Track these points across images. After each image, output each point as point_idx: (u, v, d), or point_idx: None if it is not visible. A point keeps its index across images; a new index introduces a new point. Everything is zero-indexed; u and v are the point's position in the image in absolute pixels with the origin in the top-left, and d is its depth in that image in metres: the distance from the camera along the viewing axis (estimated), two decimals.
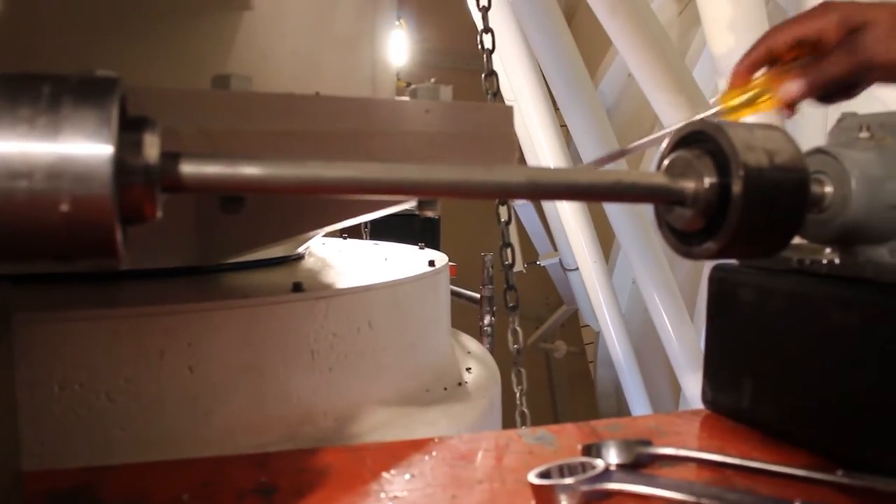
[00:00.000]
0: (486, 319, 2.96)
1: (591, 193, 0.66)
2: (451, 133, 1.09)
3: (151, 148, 0.54)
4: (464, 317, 2.28)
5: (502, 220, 2.07)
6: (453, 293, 2.10)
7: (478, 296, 3.07)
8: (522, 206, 5.80)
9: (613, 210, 4.07)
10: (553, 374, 7.57)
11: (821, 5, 1.03)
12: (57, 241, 0.51)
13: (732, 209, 0.64)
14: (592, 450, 0.77)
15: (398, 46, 3.92)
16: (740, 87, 1.08)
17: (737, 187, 0.63)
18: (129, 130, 0.54)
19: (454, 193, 0.64)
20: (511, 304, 2.09)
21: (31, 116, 0.49)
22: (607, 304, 4.64)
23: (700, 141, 0.69)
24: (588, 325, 6.50)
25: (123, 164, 0.51)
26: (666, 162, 0.71)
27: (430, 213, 0.74)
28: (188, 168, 0.56)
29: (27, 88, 0.50)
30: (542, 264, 6.25)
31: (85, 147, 0.49)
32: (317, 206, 1.33)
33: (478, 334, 2.80)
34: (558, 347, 7.12)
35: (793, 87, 1.03)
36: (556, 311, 7.02)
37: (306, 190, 0.60)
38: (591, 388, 6.83)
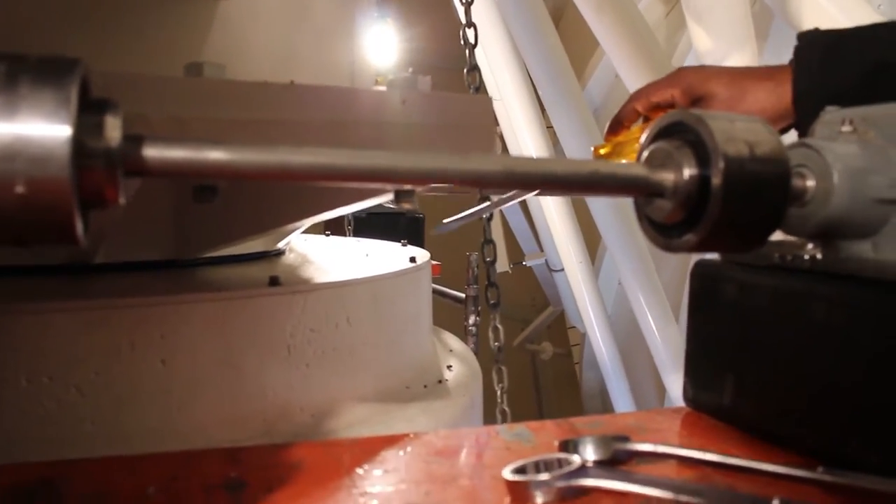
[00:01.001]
0: (471, 319, 2.96)
1: (568, 184, 0.65)
2: (429, 124, 1.08)
3: (113, 130, 0.52)
4: (449, 317, 2.27)
5: (484, 215, 2.06)
6: (438, 292, 2.09)
7: (462, 295, 3.06)
8: (511, 209, 5.80)
9: (599, 210, 4.07)
10: (539, 375, 7.58)
11: (674, 72, 1.25)
12: (13, 225, 0.49)
13: (712, 201, 0.63)
14: (569, 446, 0.76)
15: (385, 45, 3.90)
16: (614, 136, 1.30)
17: (716, 179, 0.62)
18: (90, 112, 0.52)
19: (428, 181, 0.62)
20: (492, 302, 2.07)
21: None
22: (593, 306, 4.65)
23: (680, 132, 0.68)
24: (574, 327, 6.51)
25: (82, 145, 0.50)
26: (645, 153, 0.70)
27: (407, 206, 0.72)
28: (152, 151, 0.54)
29: None
30: (528, 265, 6.25)
31: (42, 128, 0.48)
32: (294, 198, 1.32)
33: (463, 334, 2.80)
34: (544, 349, 7.13)
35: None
36: (543, 312, 7.03)
37: (274, 176, 0.58)
38: (576, 390, 6.84)
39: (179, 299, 1.08)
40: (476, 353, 2.09)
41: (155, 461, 0.79)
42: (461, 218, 1.88)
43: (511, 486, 0.67)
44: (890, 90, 0.99)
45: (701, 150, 0.65)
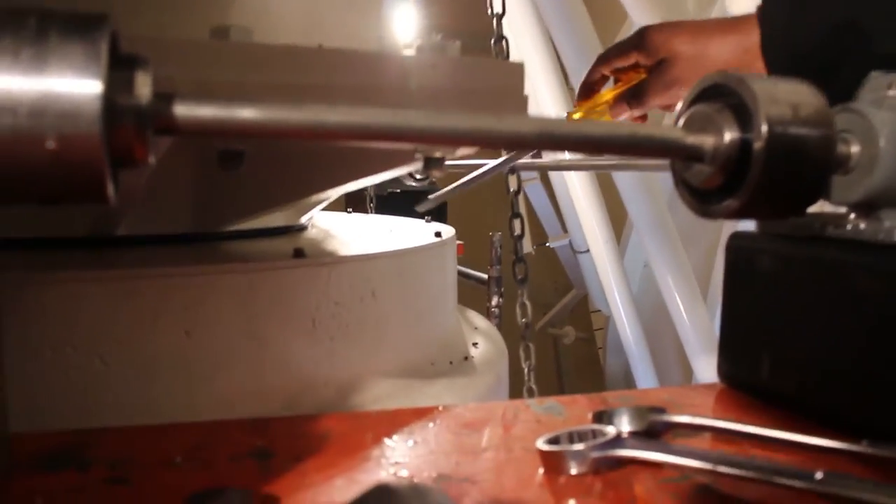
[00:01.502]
0: (494, 300, 2.95)
1: (605, 146, 0.64)
2: (458, 89, 1.07)
3: (143, 87, 0.52)
4: (471, 298, 2.28)
5: (511, 189, 2.06)
6: (461, 273, 2.09)
7: (485, 276, 3.06)
8: (532, 186, 5.76)
9: (627, 188, 4.04)
10: (561, 360, 7.56)
11: (637, 33, 1.26)
12: (44, 182, 0.49)
13: (754, 165, 0.62)
14: (604, 417, 0.76)
15: (407, 23, 3.89)
16: (585, 102, 1.35)
17: (758, 142, 0.62)
18: (120, 68, 0.52)
19: (462, 142, 0.62)
20: (520, 277, 2.07)
21: (14, 48, 0.47)
22: (619, 287, 4.61)
23: (721, 94, 0.67)
24: (598, 311, 6.48)
25: (113, 102, 0.50)
26: (684, 116, 0.69)
27: (437, 174, 0.72)
28: (182, 110, 0.54)
29: (11, 19, 0.48)
30: (551, 246, 6.22)
31: (73, 83, 0.48)
32: (317, 168, 1.32)
33: (486, 316, 2.80)
34: (567, 333, 7.10)
35: (618, 111, 1.30)
36: (566, 295, 7.00)
37: (306, 135, 0.58)
38: (599, 375, 6.81)
39: (203, 270, 1.08)
40: None
41: (181, 430, 0.80)
42: (445, 193, 1.88)
43: (545, 456, 0.67)
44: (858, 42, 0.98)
45: (742, 113, 0.64)
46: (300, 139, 0.60)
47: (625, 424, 0.74)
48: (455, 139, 0.62)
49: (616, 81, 1.34)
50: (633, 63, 1.29)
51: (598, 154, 0.68)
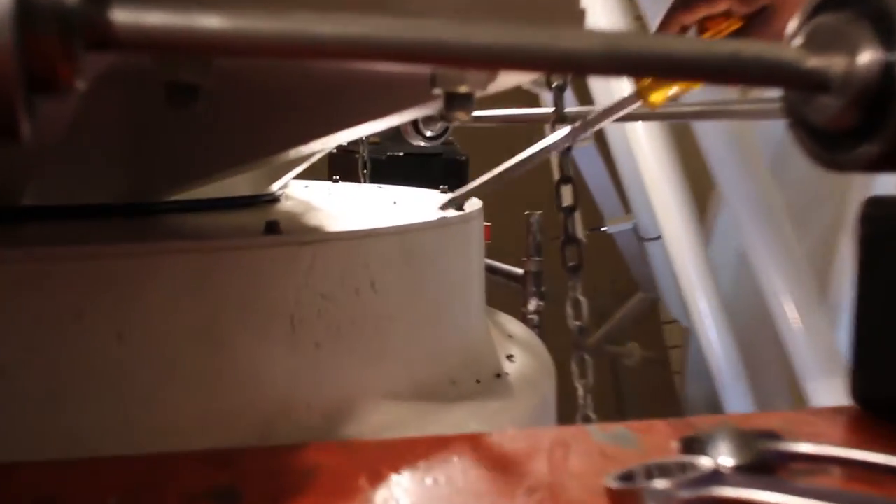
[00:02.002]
0: (533, 303, 2.96)
1: (695, 69, 0.64)
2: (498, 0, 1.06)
3: None
4: (501, 301, 2.28)
5: (555, 149, 2.04)
6: (488, 269, 2.09)
7: (520, 271, 3.05)
8: (583, 150, 5.72)
9: (714, 147, 4.02)
10: (622, 387, 7.57)
11: None
12: None
13: None
14: (695, 445, 0.76)
15: None
16: None
17: None
18: None
19: (500, 63, 0.62)
20: (572, 264, 2.06)
21: None
22: (704, 288, 4.59)
23: (854, 2, 0.66)
24: (674, 321, 6.45)
25: (30, 5, 0.50)
26: (804, 31, 0.69)
27: (462, 117, 0.72)
28: (122, 16, 0.54)
29: None
30: (608, 231, 6.20)
31: None
32: (298, 108, 1.32)
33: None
34: (631, 352, 7.09)
35: None
36: (628, 301, 6.99)
37: (290, 52, 0.58)
38: (675, 408, 6.81)
39: (141, 250, 1.09)
40: None
41: (115, 465, 0.81)
42: (488, 179, 1.87)
43: (616, 497, 0.67)
44: None
45: (884, 25, 0.63)
46: (281, 58, 0.60)
47: (725, 455, 0.74)
48: (489, 59, 0.62)
49: (701, 32, 1.34)
50: (725, 10, 1.30)
51: (687, 81, 0.67)
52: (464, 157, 4.39)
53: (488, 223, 2.04)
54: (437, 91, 0.69)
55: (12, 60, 0.48)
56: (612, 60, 0.61)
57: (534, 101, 4.61)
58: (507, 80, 1.14)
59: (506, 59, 0.61)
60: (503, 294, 2.97)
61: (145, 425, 1.10)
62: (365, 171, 3.58)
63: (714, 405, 5.37)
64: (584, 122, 1.88)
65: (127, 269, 1.09)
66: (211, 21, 0.56)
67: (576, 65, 0.62)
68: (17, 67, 0.49)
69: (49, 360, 1.05)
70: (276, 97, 1.30)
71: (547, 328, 2.92)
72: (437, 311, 1.44)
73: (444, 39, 0.59)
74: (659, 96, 1.50)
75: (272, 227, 1.22)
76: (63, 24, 0.52)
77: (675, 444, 0.79)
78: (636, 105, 1.65)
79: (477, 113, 2.99)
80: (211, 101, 0.88)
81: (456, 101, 0.69)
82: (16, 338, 1.04)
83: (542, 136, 2.25)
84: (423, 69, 0.64)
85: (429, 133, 3.14)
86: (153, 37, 0.55)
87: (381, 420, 1.27)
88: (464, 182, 4.42)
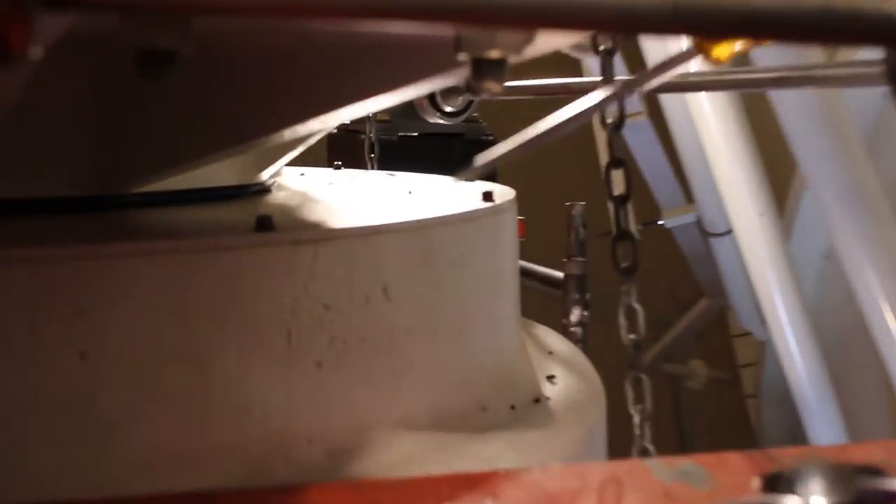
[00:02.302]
0: (575, 313, 2.95)
1: (778, 27, 0.64)
2: None
3: None
4: (536, 311, 2.27)
5: (608, 120, 2.03)
6: (521, 272, 2.08)
7: (560, 274, 3.05)
8: (636, 125, 5.70)
9: (796, 122, 4.01)
10: (684, 414, 7.56)
11: None
12: None
13: None
14: (780, 482, 0.75)
15: None
16: None
17: None
18: None
19: (540, 22, 0.62)
20: (625, 265, 2.05)
21: None
22: (784, 293, 4.57)
23: None
24: (746, 333, 6.43)
25: None
26: None
27: (493, 87, 0.72)
28: None
29: None
30: (666, 225, 6.18)
31: None
32: (295, 79, 1.32)
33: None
34: (694, 371, 7.09)
35: None
36: (690, 310, 6.98)
37: (289, 10, 0.58)
38: (747, 437, 6.80)
39: (108, 251, 1.09)
40: None
41: None
42: (500, 157, 1.86)
43: None
44: None
45: None
46: (278, 18, 0.60)
47: (817, 495, 0.74)
48: (532, 16, 0.62)
49: None
50: None
51: (766, 38, 0.67)
52: (491, 137, 4.37)
53: (521, 217, 2.04)
54: (463, 56, 0.69)
55: None
56: (678, 17, 0.61)
57: (574, 67, 4.61)
58: (547, 42, 1.13)
59: (547, 17, 0.61)
60: (539, 302, 2.96)
61: (113, 462, 1.10)
62: (372, 156, 3.56)
63: (796, 434, 5.36)
64: (632, 80, 1.87)
65: (89, 273, 1.09)
66: None
67: (634, 23, 0.62)
68: None
69: None
70: (267, 66, 1.30)
71: (592, 341, 2.92)
72: (463, 322, 1.44)
73: None
74: (724, 50, 1.49)
75: (264, 224, 1.23)
76: None
77: (754, 482, 0.79)
78: (694, 62, 1.64)
79: (512, 83, 2.98)
80: (190, 72, 0.89)
81: (485, 69, 0.69)
82: None
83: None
84: (445, 29, 0.64)
85: (448, 109, 3.13)
86: None
87: (397, 455, 1.27)
88: (492, 168, 4.41)
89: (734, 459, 0.91)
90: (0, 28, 0.52)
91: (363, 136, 3.57)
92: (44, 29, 0.55)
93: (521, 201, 1.92)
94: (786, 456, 0.92)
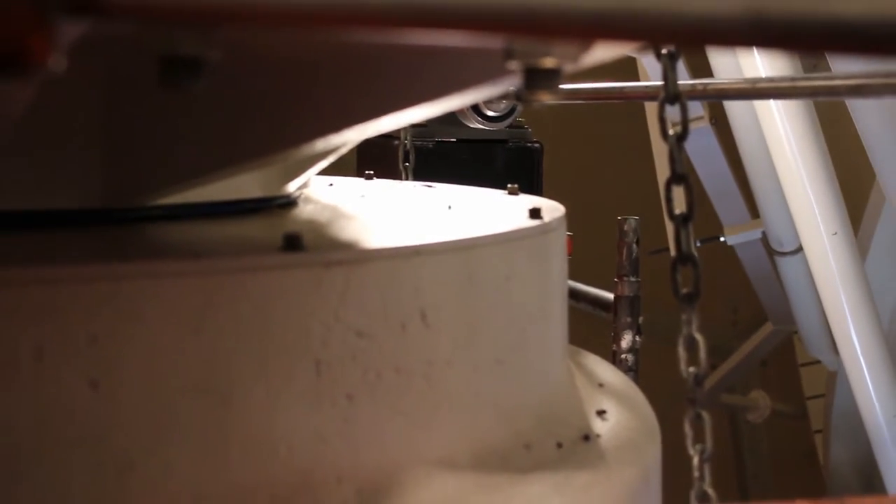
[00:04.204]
0: (626, 340, 2.94)
1: (870, 39, 0.64)
2: None
3: None
4: (583, 335, 2.27)
5: (670, 131, 2.02)
6: (570, 292, 2.08)
7: (610, 296, 3.04)
8: (697, 132, 5.68)
9: (876, 135, 4.00)
10: (744, 450, 7.53)
11: None
12: None
13: None
14: None
15: None
16: None
17: None
18: None
19: (602, 32, 0.62)
20: (685, 291, 2.04)
21: None
22: (858, 318, 4.55)
23: None
24: (815, 361, 6.40)
25: None
26: None
27: (545, 98, 0.73)
28: None
29: None
30: (728, 242, 6.15)
31: None
32: (330, 85, 1.32)
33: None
34: (756, 403, 7.07)
35: None
36: (753, 335, 6.95)
37: (329, 21, 0.59)
38: (815, 477, 6.77)
39: (122, 271, 1.10)
40: None
41: None
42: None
43: None
44: None
45: None
46: (324, 29, 0.61)
47: None
48: (594, 26, 0.63)
49: None
50: None
51: (870, 56, 0.66)
52: (537, 145, 4.35)
53: (569, 233, 2.04)
54: (514, 65, 0.69)
55: None
56: (758, 29, 0.61)
57: (630, 69, 4.61)
58: (607, 51, 1.13)
59: (610, 28, 0.62)
60: (587, 326, 2.95)
61: (128, 502, 1.11)
62: (407, 164, 3.55)
63: (868, 475, 5.33)
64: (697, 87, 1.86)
65: (101, 295, 1.09)
66: None
67: (707, 35, 0.62)
68: None
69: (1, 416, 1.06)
70: (299, 73, 1.31)
71: (644, 370, 2.91)
72: (507, 351, 1.44)
73: (528, 2, 0.60)
74: None
75: (293, 242, 1.23)
76: None
77: None
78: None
79: (568, 86, 2.97)
80: (215, 79, 0.90)
81: (538, 78, 0.69)
82: None
83: (641, 117, 2.21)
84: (495, 40, 0.65)
85: (491, 113, 3.12)
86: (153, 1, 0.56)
87: (434, 496, 1.27)
88: (536, 177, 4.41)
89: None
90: (20, 36, 0.53)
91: (396, 143, 3.56)
92: (65, 37, 0.56)
93: (567, 213, 1.92)
94: None
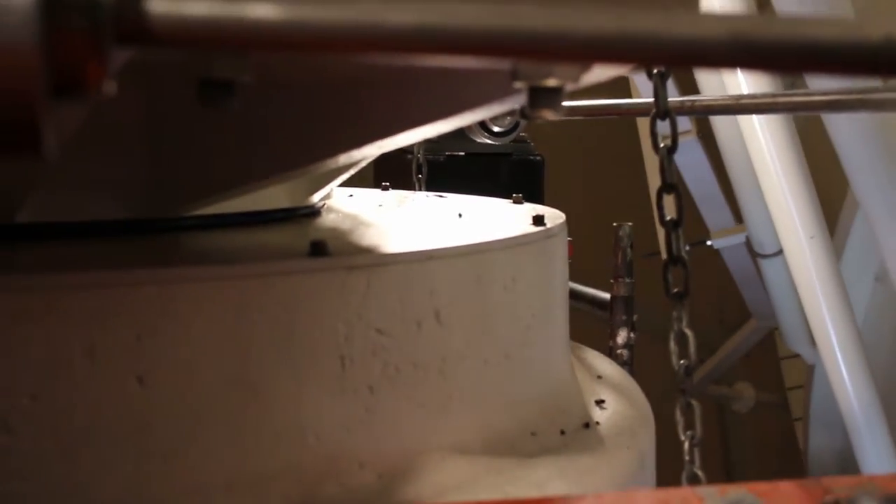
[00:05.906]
0: (622, 335, 2.94)
1: (845, 61, 0.64)
2: None
3: None
4: (581, 333, 2.27)
5: (661, 144, 2.03)
6: (570, 293, 2.08)
7: (606, 296, 3.04)
8: (686, 144, 5.67)
9: (849, 146, 3.99)
10: (730, 438, 7.51)
11: None
12: None
13: None
14: None
15: None
16: None
17: None
18: None
19: (600, 55, 0.63)
20: (676, 290, 2.04)
21: None
22: (834, 315, 4.54)
23: None
24: (795, 355, 6.38)
25: None
26: None
27: (549, 116, 0.73)
28: (160, 6, 0.56)
29: None
30: (714, 246, 6.14)
31: None
32: (353, 106, 1.33)
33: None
34: (740, 394, 7.04)
35: None
36: (737, 331, 6.93)
37: (355, 46, 0.59)
38: (795, 463, 6.74)
39: (168, 277, 1.10)
40: None
41: None
42: None
43: None
44: None
45: None
46: (342, 53, 0.61)
47: None
48: (593, 49, 0.63)
49: None
50: None
51: (836, 75, 0.67)
52: (539, 158, 4.36)
53: (569, 238, 2.04)
54: (519, 85, 0.69)
55: (34, 56, 0.50)
56: (740, 51, 0.61)
57: (623, 87, 4.60)
58: (606, 70, 1.14)
59: (608, 51, 0.62)
60: (585, 324, 2.95)
61: (168, 486, 1.11)
62: (420, 176, 3.55)
63: (845, 460, 5.30)
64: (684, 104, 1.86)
65: (147, 298, 1.10)
66: (263, 11, 0.57)
67: (694, 56, 0.62)
68: (41, 69, 0.50)
69: (57, 410, 1.07)
70: (325, 93, 1.31)
71: (638, 364, 2.91)
72: (514, 347, 1.45)
73: (535, 28, 0.60)
74: None
75: (319, 248, 1.23)
76: (92, 14, 0.53)
77: None
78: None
79: (570, 103, 2.98)
80: (248, 99, 0.90)
81: (542, 97, 0.69)
82: (18, 383, 1.06)
83: (634, 131, 2.22)
84: (503, 63, 0.65)
85: (496, 128, 3.12)
86: (195, 31, 0.57)
87: (448, 479, 1.27)
88: (539, 187, 4.41)
89: (786, 488, 0.91)
90: (79, 64, 0.54)
91: (410, 157, 3.56)
92: (116, 63, 0.56)
93: (567, 220, 1.92)
94: (840, 485, 0.92)
